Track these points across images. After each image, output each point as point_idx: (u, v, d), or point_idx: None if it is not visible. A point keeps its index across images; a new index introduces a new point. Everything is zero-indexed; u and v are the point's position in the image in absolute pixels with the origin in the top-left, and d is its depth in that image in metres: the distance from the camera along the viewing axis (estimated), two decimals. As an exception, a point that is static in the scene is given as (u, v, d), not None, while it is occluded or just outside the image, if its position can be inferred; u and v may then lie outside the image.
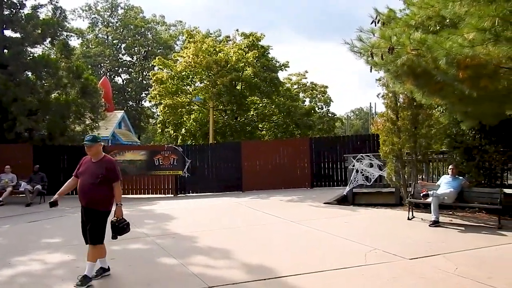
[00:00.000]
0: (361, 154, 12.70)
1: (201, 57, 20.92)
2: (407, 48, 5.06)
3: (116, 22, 50.62)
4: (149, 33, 49.94)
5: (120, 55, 50.70)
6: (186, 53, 22.16)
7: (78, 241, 7.93)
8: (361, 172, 12.47)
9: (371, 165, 12.39)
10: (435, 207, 8.50)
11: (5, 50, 16.90)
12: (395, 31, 5.29)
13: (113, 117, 32.40)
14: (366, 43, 5.47)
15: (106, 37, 50.56)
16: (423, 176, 11.45)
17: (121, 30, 49.55)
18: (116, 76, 51.10)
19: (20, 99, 15.24)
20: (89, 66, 44.78)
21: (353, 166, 12.55)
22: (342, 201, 12.28)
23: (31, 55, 17.06)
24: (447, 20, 5.58)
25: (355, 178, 12.52)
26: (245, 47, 23.73)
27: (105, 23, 50.62)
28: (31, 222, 10.23)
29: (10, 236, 8.78)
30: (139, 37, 48.80)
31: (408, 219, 9.19)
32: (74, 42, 66.89)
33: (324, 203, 11.80)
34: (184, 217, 10.51)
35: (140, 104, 48.85)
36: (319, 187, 15.89)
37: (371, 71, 6.35)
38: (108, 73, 47.89)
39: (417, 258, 6.20)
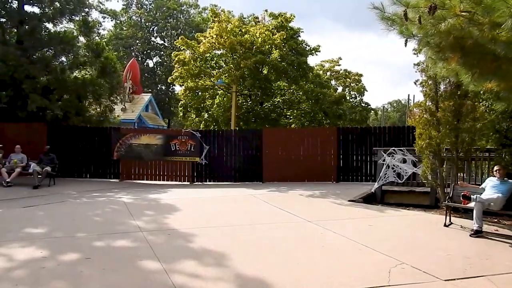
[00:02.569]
0: (393, 148, 11.37)
1: (225, 37, 19.71)
2: (455, 9, 3.75)
3: (150, 4, 50.07)
4: (181, 16, 49.13)
5: (152, 37, 50.21)
6: (210, 33, 21.03)
7: (62, 233, 7.11)
8: (393, 168, 11.15)
9: (404, 161, 11.06)
10: (478, 214, 7.13)
11: (26, 27, 16.30)
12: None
13: (140, 100, 31.96)
14: (400, 4, 4.17)
15: (139, 19, 50.13)
16: (464, 176, 10.02)
17: (154, 12, 48.94)
18: (147, 59, 50.70)
19: (33, 77, 14.59)
20: (120, 48, 44.64)
21: (384, 160, 11.23)
22: (369, 199, 11.02)
23: (47, 31, 16.38)
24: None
25: (385, 174, 11.21)
26: (273, 29, 22.30)
27: (139, 4, 50.15)
28: (26, 207, 9.47)
29: (-6, 223, 8.01)
30: (171, 20, 48.05)
31: (445, 225, 7.86)
32: (108, 24, 67.24)
33: (349, 200, 10.54)
34: (190, 210, 9.52)
35: (170, 88, 48.25)
36: (346, 182, 14.61)
37: (405, 44, 5.04)
38: (139, 56, 47.45)
39: (454, 279, 4.95)
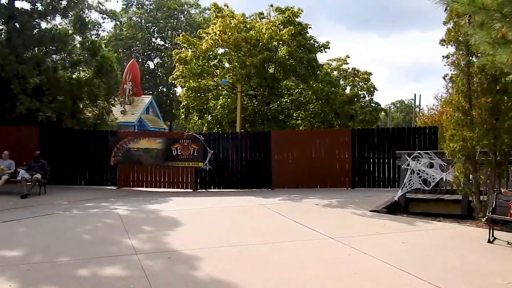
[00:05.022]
0: (418, 151, 10.28)
1: (229, 33, 18.54)
2: None
3: (150, 4, 49.10)
4: (182, 16, 48.13)
5: (153, 38, 49.21)
6: (213, 30, 19.90)
7: (42, 257, 5.94)
8: (418, 174, 10.05)
9: (431, 165, 9.95)
10: (534, 231, 6.02)
11: (16, 23, 15.18)
12: None
13: (140, 102, 30.87)
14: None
15: (139, 19, 49.13)
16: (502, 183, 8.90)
17: (154, 12, 47.96)
18: (147, 61, 49.68)
19: (22, 76, 13.50)
20: (120, 49, 43.67)
21: (408, 165, 10.12)
22: (393, 208, 9.93)
23: (39, 28, 15.28)
24: None
25: (409, 180, 10.10)
26: (279, 24, 21.15)
27: (139, 4, 49.19)
28: (7, 222, 8.36)
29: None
30: (172, 20, 47.06)
31: (489, 241, 6.74)
32: (108, 25, 66.39)
33: (371, 210, 9.42)
34: (193, 224, 8.38)
35: (172, 89, 47.20)
36: (362, 188, 13.49)
37: (469, 21, 3.92)
38: (139, 57, 46.42)
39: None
